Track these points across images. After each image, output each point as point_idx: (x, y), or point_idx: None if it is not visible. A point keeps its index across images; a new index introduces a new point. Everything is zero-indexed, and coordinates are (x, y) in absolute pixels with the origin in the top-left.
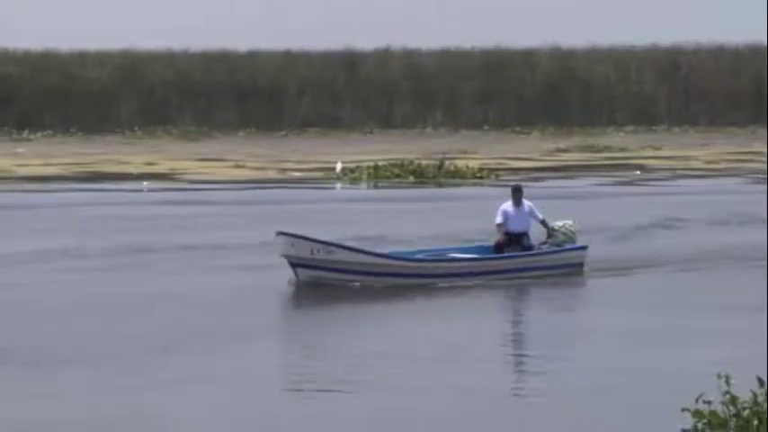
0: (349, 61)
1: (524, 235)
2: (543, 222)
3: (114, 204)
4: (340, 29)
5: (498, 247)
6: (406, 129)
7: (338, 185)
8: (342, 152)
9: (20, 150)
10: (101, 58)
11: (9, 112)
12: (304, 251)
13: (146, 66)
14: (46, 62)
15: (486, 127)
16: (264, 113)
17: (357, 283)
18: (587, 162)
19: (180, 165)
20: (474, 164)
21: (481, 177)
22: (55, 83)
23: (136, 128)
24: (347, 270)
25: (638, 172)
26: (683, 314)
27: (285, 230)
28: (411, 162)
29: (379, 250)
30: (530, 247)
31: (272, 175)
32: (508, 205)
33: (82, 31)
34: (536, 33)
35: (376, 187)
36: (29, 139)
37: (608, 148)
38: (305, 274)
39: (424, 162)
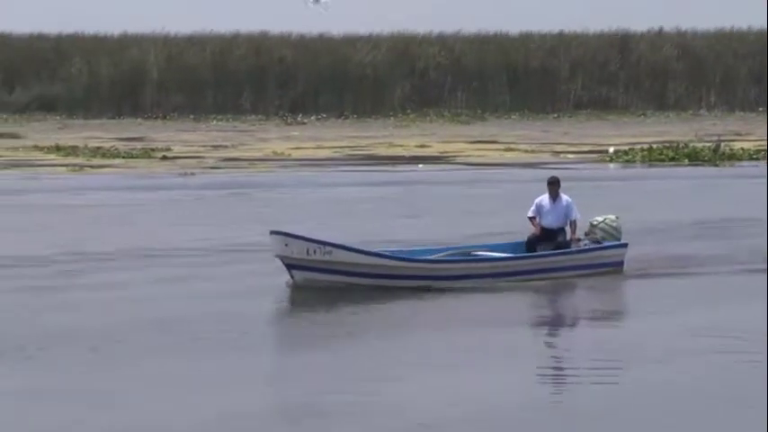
0: (622, 43)
1: (560, 231)
2: (573, 223)
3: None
4: (613, 10)
5: (531, 244)
6: (680, 111)
7: (611, 167)
8: (614, 134)
9: (294, 134)
10: (373, 42)
11: (284, 96)
12: (299, 251)
13: (418, 48)
14: (320, 46)
15: (760, 108)
16: (536, 96)
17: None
18: None
19: (452, 147)
20: (749, 146)
21: (757, 160)
22: (328, 66)
23: (408, 111)
24: (347, 272)
25: None
26: None
27: (278, 229)
28: (685, 145)
29: (380, 250)
30: (565, 245)
31: (546, 157)
32: (544, 198)
33: (354, 14)
34: None
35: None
36: (303, 123)
37: None
38: (300, 275)
39: (698, 145)
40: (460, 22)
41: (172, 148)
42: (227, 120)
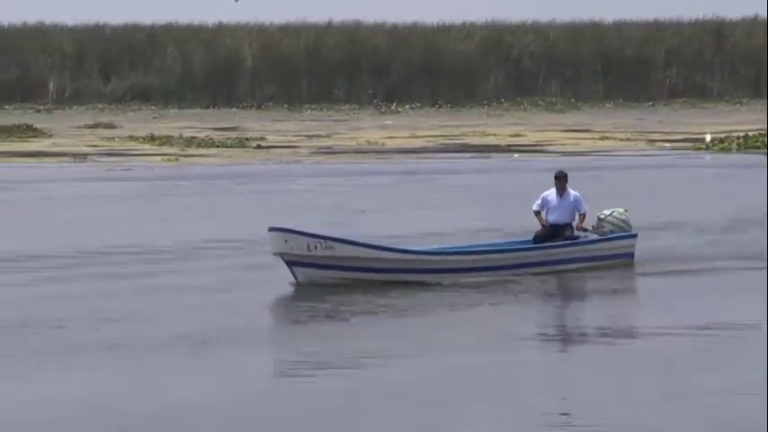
0: (717, 30)
1: (567, 227)
2: (583, 216)
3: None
4: None
5: (538, 241)
6: None
7: (707, 157)
8: (709, 122)
9: (388, 123)
10: (467, 30)
11: (378, 85)
12: (299, 247)
13: (512, 37)
14: (413, 35)
15: None
16: (631, 84)
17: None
18: None
19: (546, 136)
20: None
21: None
22: (422, 55)
23: (502, 100)
24: (350, 267)
25: None
26: None
27: (276, 225)
28: None
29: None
30: (573, 240)
31: (641, 146)
32: (551, 193)
33: (447, 3)
34: None
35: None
36: (397, 112)
37: None
38: (303, 273)
39: None
40: (555, 10)
41: (266, 137)
42: (321, 109)
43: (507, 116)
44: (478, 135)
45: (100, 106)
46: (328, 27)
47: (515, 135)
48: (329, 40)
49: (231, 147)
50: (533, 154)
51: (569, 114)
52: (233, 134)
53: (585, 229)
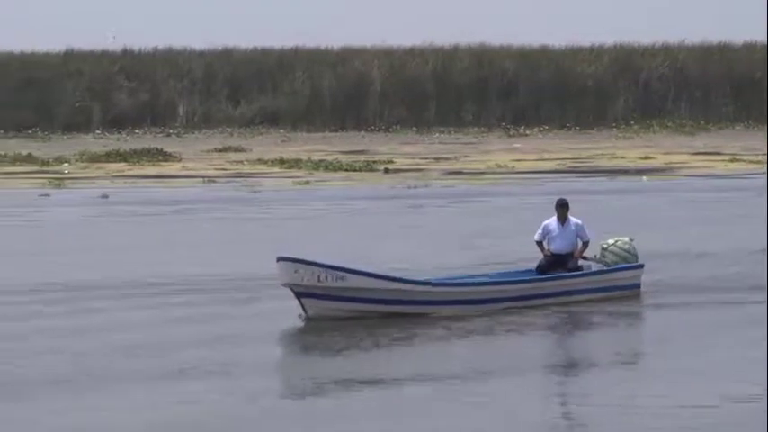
0: None
1: (570, 256)
2: (585, 244)
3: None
4: None
5: (541, 270)
6: None
7: None
8: None
9: (516, 146)
10: (596, 53)
11: (506, 107)
12: (310, 278)
13: (641, 59)
14: (541, 57)
15: None
16: (761, 106)
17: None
18: None
19: (675, 158)
20: None
21: None
22: (550, 78)
23: (631, 122)
24: (362, 298)
25: None
26: None
27: (286, 255)
28: None
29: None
30: (576, 270)
31: None
32: (552, 222)
33: (575, 26)
34: None
35: None
36: (525, 135)
37: None
38: (313, 305)
39: None
40: (684, 32)
41: (394, 160)
42: (450, 132)
43: (636, 138)
44: (607, 157)
45: (229, 130)
46: (455, 50)
47: (645, 158)
48: (457, 62)
49: (359, 170)
50: (663, 176)
51: (699, 136)
52: (361, 157)
53: (585, 258)
